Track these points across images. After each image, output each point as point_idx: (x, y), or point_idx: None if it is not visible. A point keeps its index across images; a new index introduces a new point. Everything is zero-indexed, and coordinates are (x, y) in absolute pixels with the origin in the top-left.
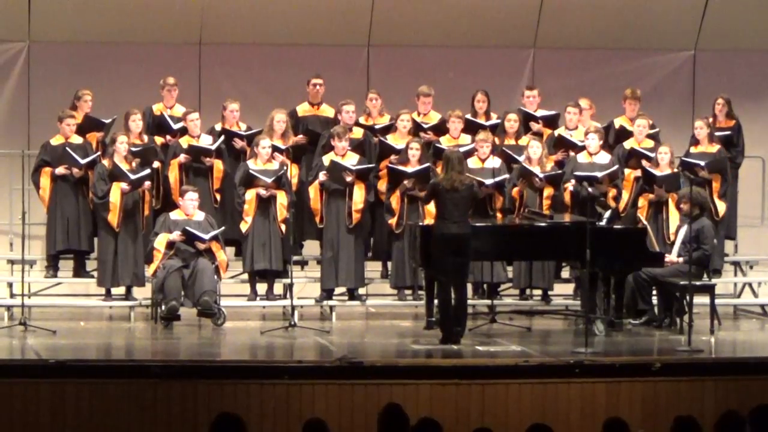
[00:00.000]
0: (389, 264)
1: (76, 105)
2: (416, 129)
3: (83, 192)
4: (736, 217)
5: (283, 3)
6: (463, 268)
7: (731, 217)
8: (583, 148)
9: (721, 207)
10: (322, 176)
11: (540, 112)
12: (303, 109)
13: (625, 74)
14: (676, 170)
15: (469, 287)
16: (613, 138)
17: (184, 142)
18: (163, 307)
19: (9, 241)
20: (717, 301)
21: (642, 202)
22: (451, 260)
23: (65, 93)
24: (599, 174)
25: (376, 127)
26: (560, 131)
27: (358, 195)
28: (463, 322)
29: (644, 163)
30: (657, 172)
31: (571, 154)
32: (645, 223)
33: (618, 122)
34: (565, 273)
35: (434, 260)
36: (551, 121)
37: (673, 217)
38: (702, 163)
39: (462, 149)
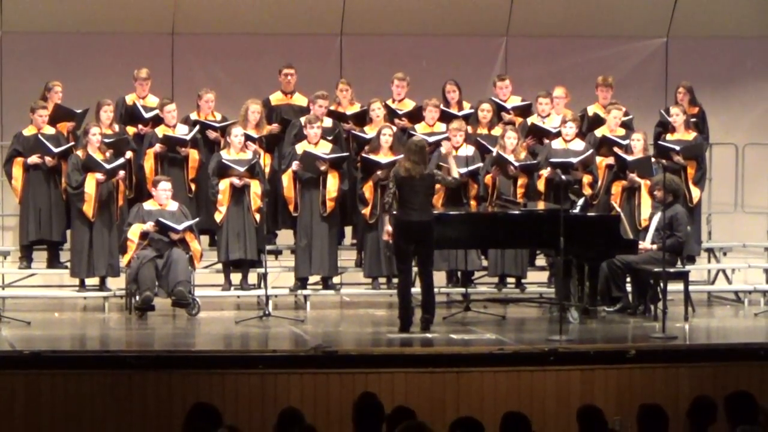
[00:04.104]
0: (363, 253)
1: (46, 96)
2: (390, 115)
3: (56, 182)
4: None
5: None
6: (427, 256)
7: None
8: (557, 135)
9: (696, 193)
10: (294, 165)
11: (511, 103)
12: (276, 98)
13: (598, 62)
14: (648, 155)
15: (444, 275)
16: (587, 126)
17: (160, 131)
18: (138, 298)
19: None
20: (691, 287)
21: (615, 189)
22: (413, 248)
23: (38, 83)
24: (574, 160)
25: (348, 113)
26: (533, 119)
27: (332, 184)
28: (432, 309)
29: (616, 149)
30: (628, 157)
31: (546, 141)
32: (618, 210)
33: (591, 110)
34: (540, 261)
35: (394, 247)
36: (523, 111)
37: (645, 203)
38: (677, 149)
39: (436, 138)
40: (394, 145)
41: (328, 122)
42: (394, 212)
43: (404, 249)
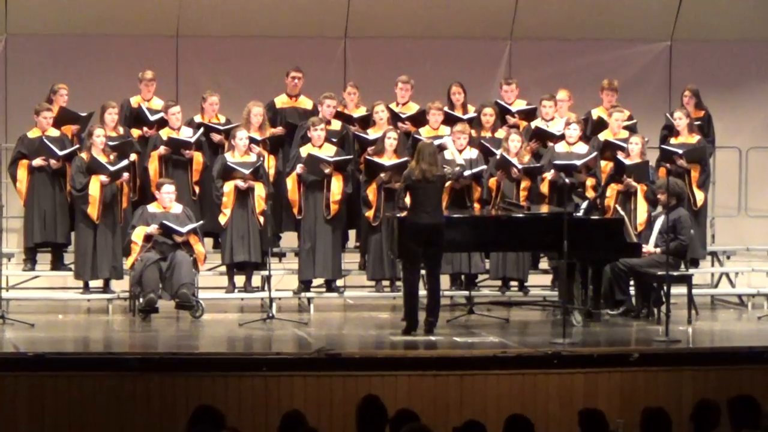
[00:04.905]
0: (367, 256)
1: (52, 99)
2: (394, 119)
3: (60, 185)
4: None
5: None
6: (435, 258)
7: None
8: (561, 138)
9: (700, 196)
10: (299, 168)
11: (516, 106)
12: (281, 101)
13: (602, 65)
14: (646, 159)
15: (448, 278)
16: (591, 129)
17: (165, 134)
18: (141, 300)
19: None
20: (694, 291)
21: (610, 191)
22: (423, 251)
23: (43, 85)
24: (578, 162)
25: (354, 116)
26: (537, 122)
27: (336, 186)
28: (436, 312)
29: (619, 153)
30: (627, 161)
31: (549, 144)
32: (622, 213)
33: (596, 113)
34: (543, 264)
35: (403, 249)
36: (528, 114)
37: (641, 207)
38: (680, 152)
39: (439, 141)
40: (399, 148)
41: (336, 125)
42: (404, 214)
43: (414, 251)
